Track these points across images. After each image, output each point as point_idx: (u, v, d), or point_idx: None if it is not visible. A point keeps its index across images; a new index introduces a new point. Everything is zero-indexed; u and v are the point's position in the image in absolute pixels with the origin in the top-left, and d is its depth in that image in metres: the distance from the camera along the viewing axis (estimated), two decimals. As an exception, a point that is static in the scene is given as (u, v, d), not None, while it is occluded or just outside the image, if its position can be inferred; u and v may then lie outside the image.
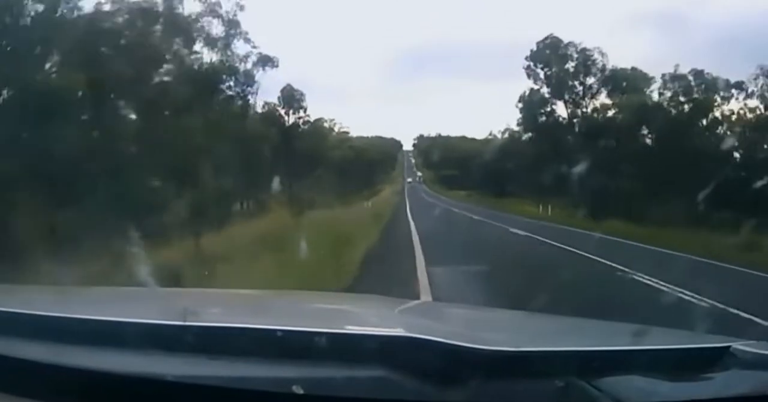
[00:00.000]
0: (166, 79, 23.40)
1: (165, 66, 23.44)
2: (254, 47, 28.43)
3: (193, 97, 24.10)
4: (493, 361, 1.16)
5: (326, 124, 41.88)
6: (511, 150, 38.73)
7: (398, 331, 1.39)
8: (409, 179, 58.34)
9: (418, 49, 70.45)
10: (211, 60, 26.78)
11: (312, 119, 39.83)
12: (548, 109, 36.99)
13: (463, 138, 49.58)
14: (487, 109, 64.57)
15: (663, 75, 32.16)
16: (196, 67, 25.45)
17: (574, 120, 36.20)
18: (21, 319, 1.31)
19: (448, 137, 53.04)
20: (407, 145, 59.61)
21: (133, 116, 22.01)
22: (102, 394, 1.13)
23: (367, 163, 46.24)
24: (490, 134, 43.61)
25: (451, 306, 3.84)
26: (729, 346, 1.33)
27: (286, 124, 38.35)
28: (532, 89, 37.07)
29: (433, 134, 56.82)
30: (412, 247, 14.76)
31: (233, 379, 1.13)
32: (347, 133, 44.11)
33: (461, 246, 15.72)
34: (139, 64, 21.15)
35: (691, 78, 31.70)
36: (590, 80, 35.88)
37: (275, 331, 1.25)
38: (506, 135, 41.13)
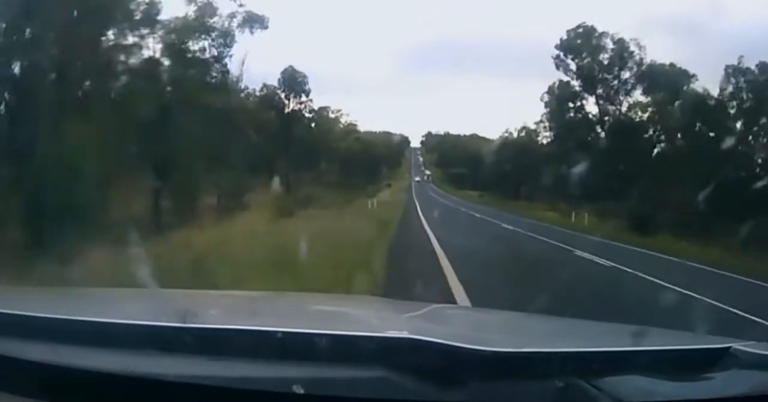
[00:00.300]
0: (107, 30, 18.51)
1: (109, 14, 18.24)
2: (241, 5, 24.03)
3: (148, 56, 19.87)
4: (493, 362, 1.17)
5: (332, 115, 38.20)
6: (528, 149, 35.99)
7: (398, 333, 1.40)
8: (417, 178, 55.04)
9: (429, 45, 70.10)
10: (186, 15, 22.37)
11: (316, 107, 36.02)
12: (578, 103, 33.18)
13: (474, 136, 47.55)
14: (499, 109, 63.95)
15: (726, 67, 27.19)
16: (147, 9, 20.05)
17: (606, 118, 32.57)
18: (21, 320, 1.31)
19: (458, 136, 51.34)
20: (415, 142, 58.74)
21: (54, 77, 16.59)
22: (102, 394, 1.13)
23: (373, 157, 42.62)
24: (506, 132, 40.35)
25: (451, 307, 3.84)
26: (729, 347, 1.33)
27: (286, 109, 34.18)
28: (561, 81, 33.15)
29: (441, 132, 55.09)
30: (447, 290, 8.44)
31: (234, 379, 1.13)
32: (354, 125, 40.33)
33: (533, 291, 7.71)
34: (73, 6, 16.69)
35: (756, 71, 26.75)
36: (626, 74, 31.83)
37: (275, 332, 1.25)
38: (523, 133, 38.35)
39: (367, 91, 61.19)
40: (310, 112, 36.01)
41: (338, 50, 57.72)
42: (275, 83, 34.00)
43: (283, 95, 34.44)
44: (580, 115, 33.26)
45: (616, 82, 31.90)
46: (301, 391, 1.08)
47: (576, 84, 32.81)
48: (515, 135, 38.82)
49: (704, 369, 1.26)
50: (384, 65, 65.94)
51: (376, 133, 44.81)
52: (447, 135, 54.14)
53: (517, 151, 36.53)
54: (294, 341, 1.22)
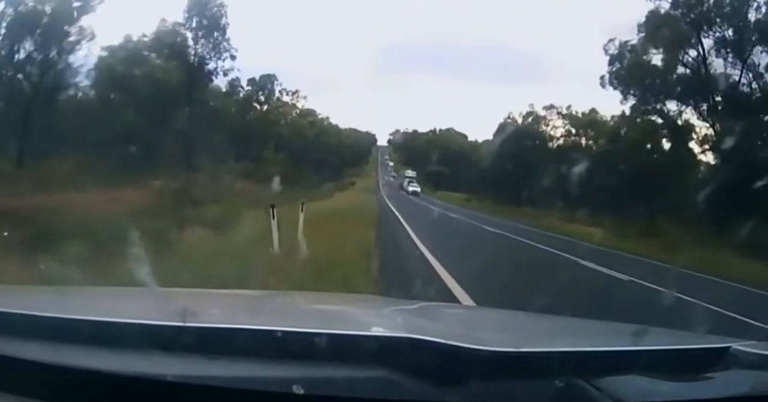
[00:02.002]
0: None
1: None
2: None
3: None
4: (492, 362, 1.17)
5: (280, 92, 27.17)
6: (537, 141, 28.40)
7: (398, 332, 1.40)
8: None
9: (397, 45, 69.44)
10: None
11: (258, 75, 24.91)
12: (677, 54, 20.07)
13: (450, 131, 41.83)
14: (472, 109, 62.97)
15: None
16: None
17: (716, 78, 19.87)
18: (21, 320, 1.31)
19: (433, 131, 45.09)
20: (382, 141, 56.80)
21: None
22: (102, 394, 1.13)
23: (334, 149, 33.84)
24: (508, 117, 31.26)
25: (451, 306, 3.85)
26: (729, 347, 1.34)
27: (192, 56, 21.56)
28: (654, 13, 20.45)
29: (410, 130, 53.28)
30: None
31: (233, 379, 1.13)
32: (313, 111, 30.72)
33: None
34: None
35: None
36: (753, 15, 19.22)
37: (275, 331, 1.25)
38: (530, 120, 29.96)
39: (333, 89, 60.23)
40: (250, 85, 25.13)
41: (305, 48, 56.22)
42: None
43: (189, 34, 21.58)
44: (683, 72, 20.04)
45: (742, 24, 19.43)
46: (301, 391, 1.09)
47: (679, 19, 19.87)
48: (520, 121, 30.74)
49: (704, 369, 1.27)
50: (351, 65, 65.06)
51: (342, 129, 37.73)
52: (416, 133, 51.49)
53: (520, 144, 28.73)
54: (294, 341, 1.22)
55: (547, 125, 29.72)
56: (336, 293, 5.06)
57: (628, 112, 23.01)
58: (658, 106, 21.71)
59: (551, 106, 28.84)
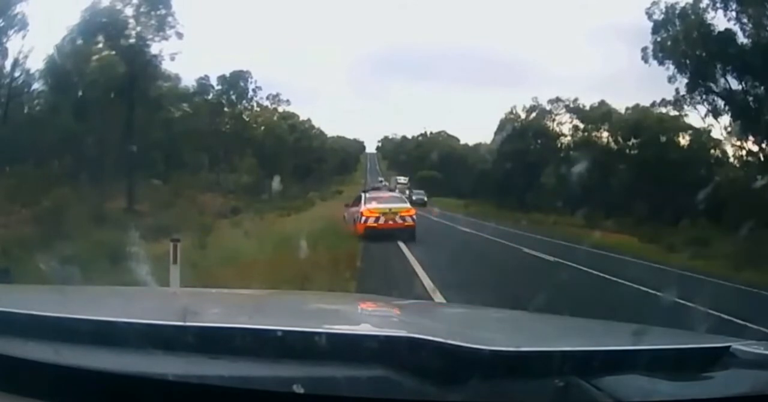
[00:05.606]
0: None
1: None
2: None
3: None
4: (493, 361, 1.17)
5: (254, 90, 25.32)
6: (541, 138, 25.29)
7: (398, 331, 1.40)
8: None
9: (387, 50, 69.70)
10: None
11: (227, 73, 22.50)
12: None
13: (441, 134, 41.17)
14: (466, 111, 62.87)
15: None
16: None
17: None
18: (21, 319, 1.32)
19: (423, 135, 45.03)
20: (370, 149, 56.36)
21: None
22: (102, 393, 1.13)
23: (319, 156, 30.90)
24: (512, 113, 27.97)
25: (451, 306, 3.85)
26: (729, 346, 1.34)
27: (132, 39, 17.63)
28: None
29: (398, 136, 49.84)
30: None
31: (234, 378, 1.13)
32: (294, 115, 28.35)
33: None
34: None
35: None
36: None
37: (275, 331, 1.25)
38: (534, 114, 26.23)
39: (319, 97, 60.55)
40: (221, 84, 22.58)
41: (291, 57, 56.66)
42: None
43: (130, 14, 17.81)
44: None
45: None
46: (301, 391, 1.09)
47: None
48: (523, 116, 28.39)
49: (704, 368, 1.27)
50: (337, 73, 65.56)
51: (327, 135, 36.15)
52: (404, 139, 48.90)
53: (524, 142, 26.17)
54: (294, 340, 1.23)
55: (554, 120, 27.73)
56: (336, 293, 5.07)
57: (683, 91, 18.98)
58: (722, 83, 16.93)
59: (557, 100, 27.06)
